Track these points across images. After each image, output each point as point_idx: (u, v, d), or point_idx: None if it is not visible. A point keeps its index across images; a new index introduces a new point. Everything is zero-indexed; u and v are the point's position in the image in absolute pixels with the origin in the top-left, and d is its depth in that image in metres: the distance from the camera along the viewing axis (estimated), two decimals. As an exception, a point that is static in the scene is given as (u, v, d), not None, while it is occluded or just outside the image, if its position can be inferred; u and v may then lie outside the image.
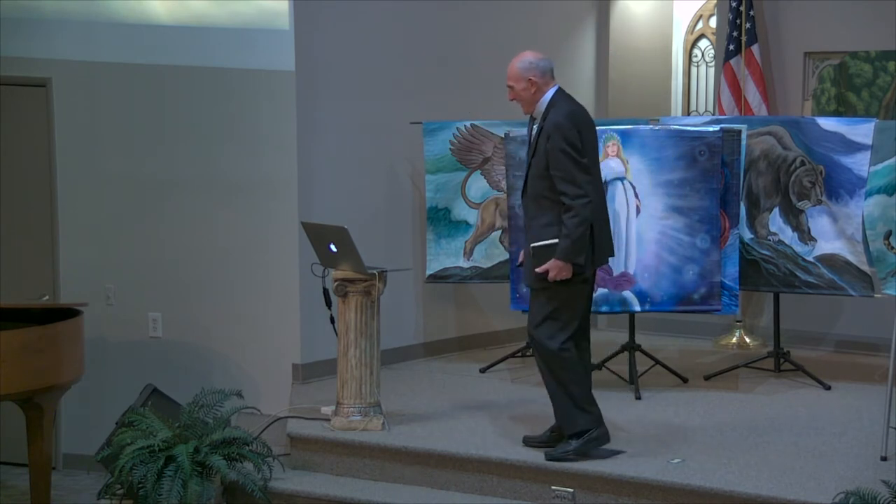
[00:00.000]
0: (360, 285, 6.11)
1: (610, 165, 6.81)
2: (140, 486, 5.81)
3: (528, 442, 5.89)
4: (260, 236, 7.24)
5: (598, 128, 6.82)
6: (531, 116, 5.76)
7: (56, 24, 7.54)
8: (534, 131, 5.72)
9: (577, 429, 5.71)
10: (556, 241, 5.53)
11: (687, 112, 9.39)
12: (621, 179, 6.82)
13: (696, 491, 5.33)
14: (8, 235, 7.73)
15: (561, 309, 5.65)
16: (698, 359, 7.76)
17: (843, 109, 7.84)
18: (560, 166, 5.54)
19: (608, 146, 6.82)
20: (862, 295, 6.82)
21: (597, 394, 6.78)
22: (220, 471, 5.84)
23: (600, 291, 6.82)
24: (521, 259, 5.94)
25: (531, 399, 6.30)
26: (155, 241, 7.46)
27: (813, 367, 7.21)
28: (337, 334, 6.22)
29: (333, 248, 6.12)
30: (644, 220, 6.81)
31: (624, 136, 6.81)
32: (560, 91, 5.72)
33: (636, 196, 6.81)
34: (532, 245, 5.62)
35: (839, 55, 7.88)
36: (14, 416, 6.80)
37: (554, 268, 5.54)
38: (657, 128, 6.93)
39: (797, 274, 6.93)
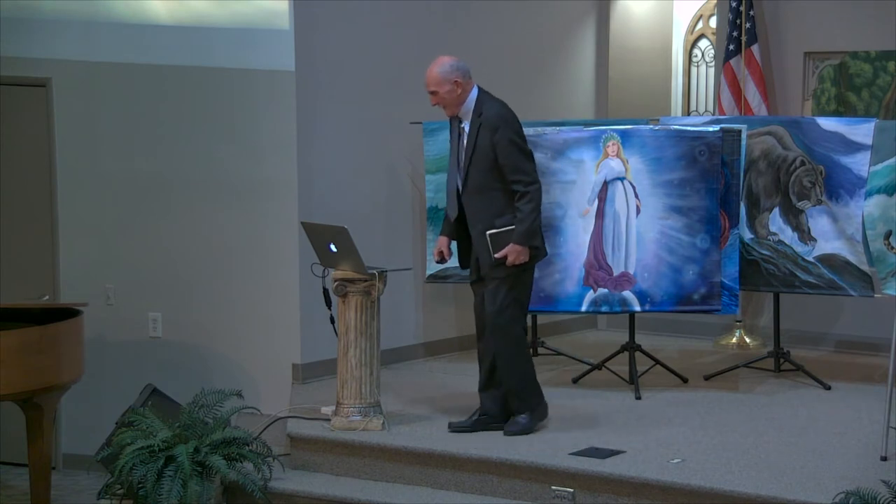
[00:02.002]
0: (360, 285, 6.11)
1: (610, 165, 6.82)
2: (140, 486, 5.81)
3: (455, 427, 6.11)
4: (260, 236, 7.24)
5: (598, 128, 6.92)
6: (455, 118, 6.01)
7: (56, 24, 7.54)
8: (464, 130, 5.97)
9: (531, 405, 6.08)
10: (511, 227, 5.84)
11: (687, 112, 9.39)
12: (621, 179, 6.82)
13: (696, 491, 5.33)
14: (8, 235, 7.73)
15: (522, 293, 6.01)
16: (698, 359, 7.75)
17: (843, 109, 7.84)
18: (511, 156, 5.85)
19: (608, 146, 6.82)
20: (862, 295, 6.82)
21: (597, 394, 6.83)
22: (220, 471, 5.84)
23: (600, 291, 6.83)
24: (437, 257, 6.21)
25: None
26: (155, 241, 7.46)
27: (813, 367, 7.21)
28: (337, 334, 6.22)
29: (333, 248, 6.12)
30: (644, 220, 6.81)
31: (624, 136, 6.81)
32: (482, 89, 6.00)
33: (636, 196, 6.81)
34: (488, 233, 5.87)
35: (839, 55, 7.89)
36: (14, 416, 6.80)
37: (513, 252, 5.84)
38: (657, 128, 6.93)
39: (797, 274, 6.93)
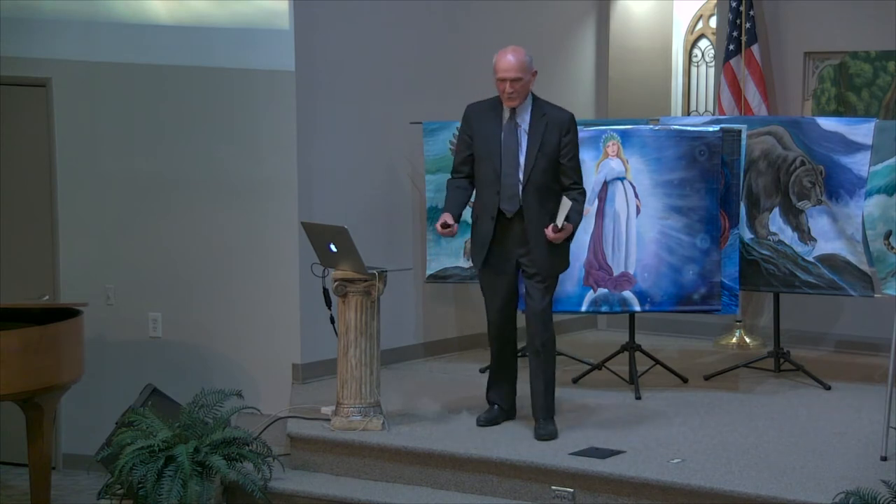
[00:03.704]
0: (360, 285, 6.11)
1: (610, 165, 6.81)
2: (140, 486, 5.81)
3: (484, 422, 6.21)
4: (260, 236, 7.24)
5: (598, 128, 6.93)
6: (510, 113, 5.96)
7: (56, 24, 7.54)
8: (519, 126, 5.95)
9: (554, 408, 6.16)
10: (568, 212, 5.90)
11: (687, 112, 9.39)
12: (621, 179, 6.82)
13: (696, 491, 5.33)
14: (8, 235, 7.73)
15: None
16: (698, 359, 7.76)
17: (843, 109, 7.84)
18: (576, 158, 6.00)
19: (608, 146, 6.81)
20: (862, 295, 6.82)
21: (597, 394, 6.84)
22: (220, 471, 5.84)
23: (600, 291, 6.83)
24: (441, 228, 5.99)
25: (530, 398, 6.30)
26: (155, 241, 7.46)
27: (813, 367, 7.21)
28: (337, 334, 6.22)
29: (333, 248, 6.12)
30: (644, 220, 6.81)
31: (624, 136, 6.81)
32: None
33: (636, 196, 6.81)
34: (570, 202, 5.84)
35: (839, 55, 7.89)
36: (14, 416, 6.80)
37: (568, 231, 5.91)
38: (657, 128, 6.93)
39: (797, 274, 6.93)
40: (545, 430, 6.02)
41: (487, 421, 6.23)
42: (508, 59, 5.88)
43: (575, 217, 5.93)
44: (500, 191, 5.97)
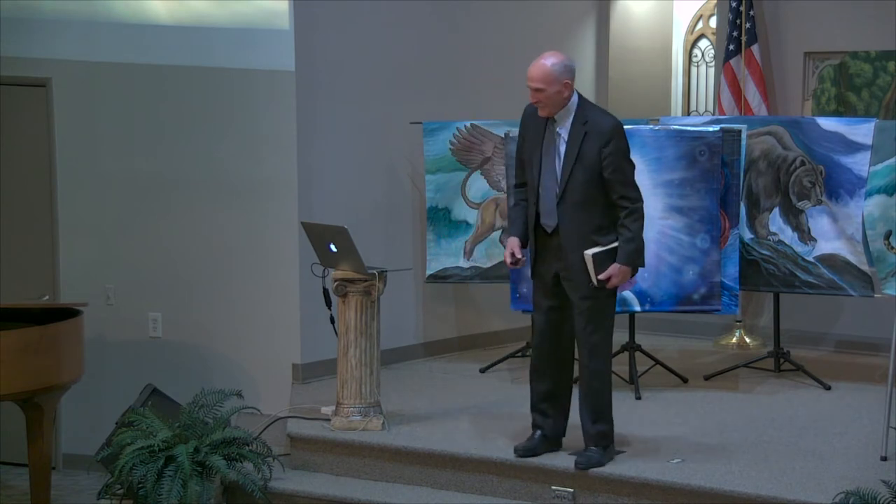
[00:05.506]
0: (360, 285, 6.11)
1: (610, 165, 6.80)
2: (140, 486, 5.81)
3: (522, 451, 5.73)
4: (260, 236, 7.24)
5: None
6: (549, 120, 5.50)
7: (56, 24, 7.54)
8: (560, 135, 5.49)
9: (609, 437, 5.66)
10: (613, 245, 5.44)
11: (687, 112, 9.38)
12: (621, 179, 6.81)
13: (696, 491, 5.33)
14: (8, 235, 7.73)
15: (614, 309, 5.63)
16: (698, 359, 7.75)
17: (843, 109, 7.84)
18: (621, 170, 5.45)
19: (608, 146, 6.80)
20: (862, 295, 6.82)
21: (597, 394, 6.81)
22: (219, 471, 5.84)
23: (600, 291, 6.82)
24: (510, 259, 5.60)
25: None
26: (155, 241, 7.46)
27: (813, 367, 7.21)
28: (337, 334, 6.22)
29: (333, 248, 6.12)
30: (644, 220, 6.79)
31: (624, 136, 6.80)
32: (580, 94, 5.56)
33: (636, 196, 6.80)
34: (591, 253, 5.40)
35: (839, 55, 7.89)
36: (14, 416, 6.80)
37: (619, 274, 5.42)
38: (657, 128, 6.93)
39: (797, 274, 6.93)
40: (583, 459, 5.60)
41: (525, 450, 5.71)
42: (536, 67, 5.42)
43: (628, 247, 5.39)
44: (539, 203, 5.54)
